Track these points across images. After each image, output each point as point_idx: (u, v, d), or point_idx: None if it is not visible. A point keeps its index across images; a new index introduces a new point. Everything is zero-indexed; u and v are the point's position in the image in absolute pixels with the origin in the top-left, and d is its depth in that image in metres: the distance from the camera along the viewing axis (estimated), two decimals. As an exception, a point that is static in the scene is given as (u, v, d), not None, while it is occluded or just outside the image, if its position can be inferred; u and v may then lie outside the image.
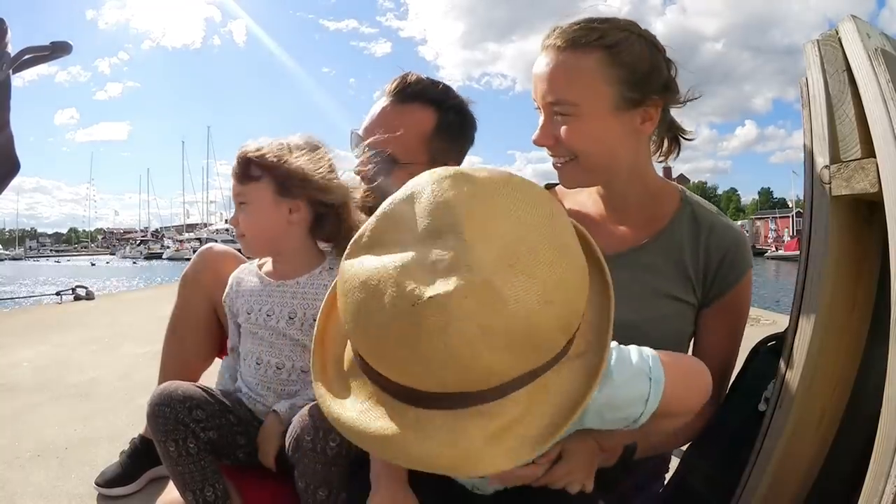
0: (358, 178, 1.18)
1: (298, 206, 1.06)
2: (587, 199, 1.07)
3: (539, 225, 0.46)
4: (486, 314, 0.41)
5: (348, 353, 0.55)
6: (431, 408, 0.47)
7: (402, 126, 1.16)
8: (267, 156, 1.03)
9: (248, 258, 1.20)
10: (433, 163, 1.18)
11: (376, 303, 0.44)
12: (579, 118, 0.89)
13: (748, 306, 1.01)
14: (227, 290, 1.16)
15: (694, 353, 1.01)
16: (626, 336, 0.94)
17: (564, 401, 0.49)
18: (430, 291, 0.41)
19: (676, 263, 0.97)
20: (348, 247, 0.51)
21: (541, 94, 0.91)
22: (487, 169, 0.50)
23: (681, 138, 1.03)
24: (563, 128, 0.90)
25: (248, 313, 1.09)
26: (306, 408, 0.92)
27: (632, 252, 0.99)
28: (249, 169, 1.04)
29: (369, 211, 1.21)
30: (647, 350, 0.64)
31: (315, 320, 0.66)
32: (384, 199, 1.14)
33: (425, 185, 0.47)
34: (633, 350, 0.63)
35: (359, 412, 0.50)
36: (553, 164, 0.96)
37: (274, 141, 1.07)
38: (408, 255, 0.44)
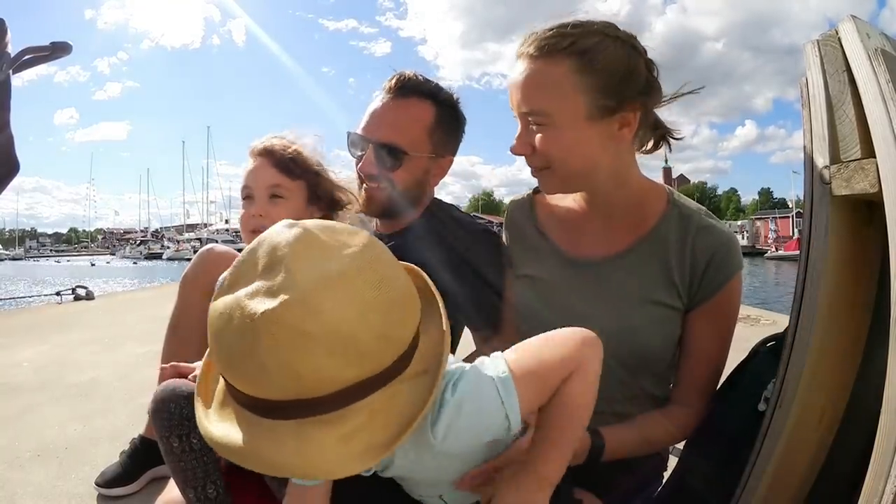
0: (353, 181, 1.22)
1: (319, 211, 1.12)
2: (573, 204, 1.08)
3: (357, 259, 0.55)
4: (306, 322, 0.51)
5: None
6: (280, 418, 0.54)
7: (406, 119, 1.20)
8: (310, 161, 1.08)
9: None
10: (435, 154, 1.23)
11: (227, 326, 0.53)
12: (553, 127, 0.89)
13: (737, 309, 1.00)
14: None
15: (681, 357, 1.01)
16: (618, 341, 0.94)
17: (406, 412, 0.56)
18: (262, 308, 0.51)
19: (663, 267, 0.97)
20: (215, 291, 0.61)
21: (516, 104, 0.92)
22: (317, 220, 0.61)
23: (669, 137, 1.02)
24: (539, 136, 0.90)
25: None
26: None
27: (618, 257, 1.00)
28: (295, 165, 1.07)
29: (377, 206, 1.22)
30: (499, 360, 0.67)
31: None
32: (393, 192, 1.15)
33: (266, 235, 0.58)
34: (484, 363, 0.67)
35: (226, 427, 0.58)
36: (532, 173, 0.98)
37: (308, 144, 1.12)
38: (251, 287, 0.54)
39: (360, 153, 1.22)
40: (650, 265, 0.97)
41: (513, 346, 0.70)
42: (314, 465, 0.53)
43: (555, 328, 0.71)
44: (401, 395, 0.57)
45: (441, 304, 0.67)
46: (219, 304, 0.56)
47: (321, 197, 1.11)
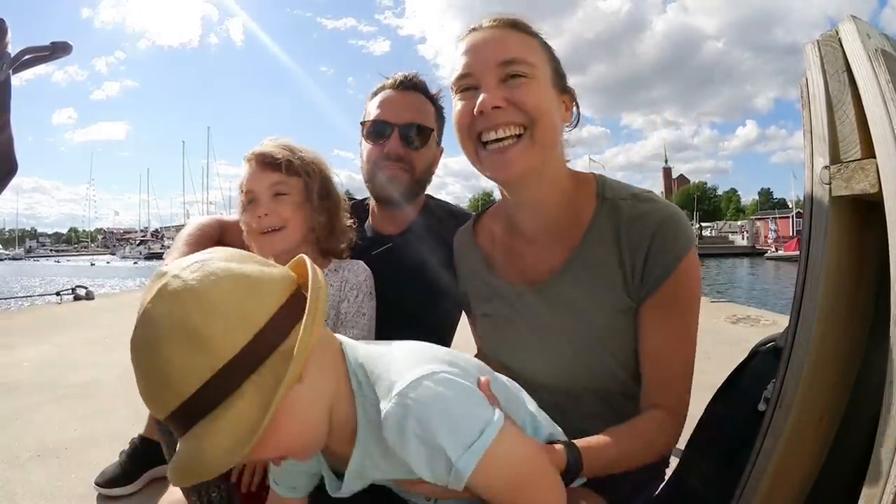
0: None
1: (321, 210, 1.14)
2: (508, 231, 1.04)
3: (221, 272, 0.56)
4: (152, 326, 0.54)
5: None
6: (186, 428, 0.54)
7: (421, 106, 1.35)
8: (311, 160, 1.13)
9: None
10: (439, 142, 1.40)
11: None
12: (535, 80, 0.86)
13: (694, 296, 0.89)
14: None
15: (641, 360, 0.92)
16: (584, 363, 0.92)
17: (258, 413, 0.54)
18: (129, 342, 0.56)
19: (605, 270, 0.91)
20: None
21: (492, 55, 0.85)
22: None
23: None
24: (517, 90, 0.85)
25: None
26: None
27: (560, 274, 0.94)
28: (290, 163, 1.11)
29: (401, 188, 1.31)
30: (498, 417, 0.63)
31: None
32: (415, 173, 1.34)
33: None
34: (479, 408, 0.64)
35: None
36: (491, 150, 0.87)
37: (309, 150, 1.17)
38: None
39: (381, 139, 1.31)
40: (592, 272, 0.91)
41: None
42: (204, 464, 0.52)
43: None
44: (255, 396, 0.54)
45: (315, 300, 0.60)
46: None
47: (322, 197, 1.14)
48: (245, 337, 0.54)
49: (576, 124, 0.97)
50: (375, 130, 1.32)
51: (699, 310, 0.91)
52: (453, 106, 0.92)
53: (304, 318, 0.58)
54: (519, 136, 0.86)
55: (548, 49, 0.92)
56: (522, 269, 1.01)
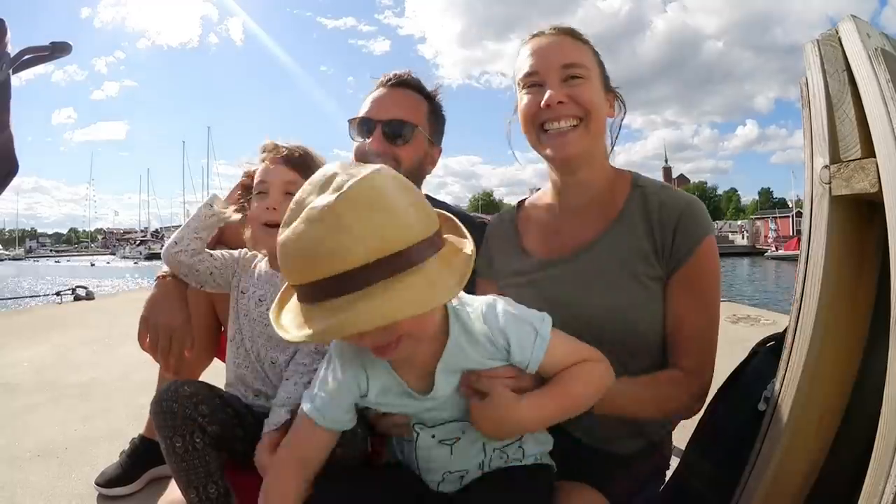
0: None
1: None
2: (549, 210, 1.19)
3: (391, 178, 0.69)
4: (371, 194, 0.64)
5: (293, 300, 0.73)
6: (365, 285, 0.63)
7: (408, 102, 1.35)
8: (315, 163, 1.13)
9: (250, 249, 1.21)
10: (431, 140, 1.39)
11: (311, 225, 0.64)
12: (589, 80, 1.04)
13: (715, 276, 1.02)
14: (239, 261, 1.19)
15: (667, 331, 1.02)
16: (609, 324, 1.00)
17: (461, 267, 0.69)
18: (332, 197, 0.63)
19: (636, 243, 1.03)
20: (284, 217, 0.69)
21: (556, 58, 1.04)
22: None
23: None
24: (576, 89, 1.03)
25: (243, 293, 1.15)
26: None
27: (594, 243, 1.08)
28: (307, 166, 1.12)
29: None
30: (547, 317, 0.83)
31: None
32: (403, 165, 1.33)
33: (301, 191, 0.70)
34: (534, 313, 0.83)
35: (318, 320, 0.65)
36: (552, 136, 1.05)
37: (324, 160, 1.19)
38: (317, 197, 0.66)
39: (365, 137, 1.32)
40: (625, 244, 1.04)
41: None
42: (435, 295, 0.65)
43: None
44: (454, 256, 0.71)
45: (465, 232, 0.77)
46: (294, 223, 0.65)
47: None
48: (434, 228, 0.70)
49: (623, 116, 1.16)
50: (359, 127, 1.34)
51: (720, 289, 1.03)
52: (519, 99, 1.09)
53: (462, 231, 0.77)
54: (575, 125, 1.04)
55: (597, 55, 1.09)
56: (558, 244, 1.15)
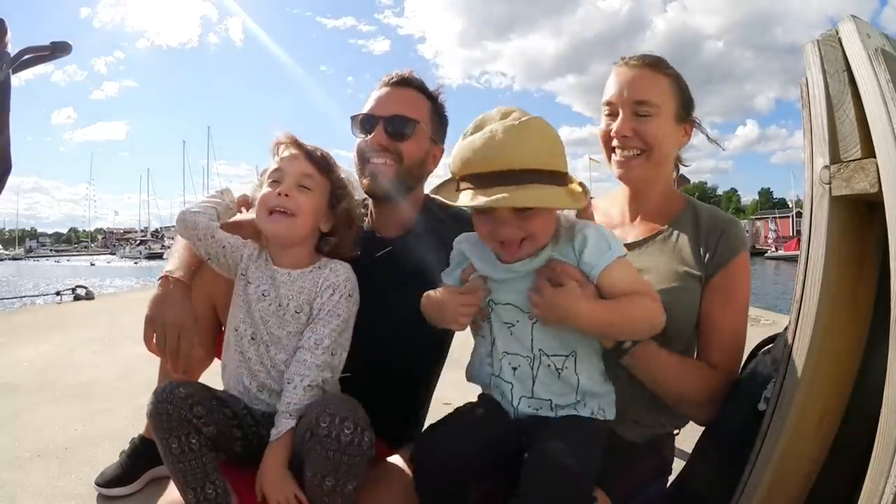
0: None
1: (330, 217, 1.17)
2: (614, 205, 1.32)
3: (545, 126, 0.92)
4: (542, 124, 0.90)
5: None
6: (528, 182, 0.87)
7: (410, 100, 1.38)
8: (334, 166, 1.17)
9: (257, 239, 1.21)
10: (433, 138, 1.40)
11: (498, 131, 0.87)
12: (658, 118, 1.14)
13: (746, 286, 1.12)
14: (248, 246, 1.18)
15: (700, 329, 1.12)
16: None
17: (581, 197, 0.94)
18: (525, 117, 0.90)
19: (682, 247, 1.15)
20: (466, 132, 0.94)
21: (629, 94, 1.15)
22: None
23: (679, 163, 1.31)
24: (643, 126, 1.14)
25: (250, 282, 1.15)
26: (323, 396, 1.04)
27: (645, 241, 1.20)
28: (325, 163, 1.14)
29: (384, 183, 1.32)
30: (622, 245, 0.99)
31: (297, 311, 1.12)
32: (400, 168, 1.38)
33: (482, 121, 0.93)
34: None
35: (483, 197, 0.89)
36: (618, 160, 1.19)
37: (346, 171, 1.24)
38: (506, 117, 0.90)
39: (367, 133, 1.32)
40: (672, 246, 1.16)
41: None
42: (555, 199, 0.90)
43: None
44: (575, 191, 0.94)
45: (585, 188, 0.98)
46: (483, 130, 0.89)
47: (339, 201, 1.17)
48: (566, 166, 0.94)
49: (708, 138, 1.30)
50: (362, 124, 1.36)
51: (749, 299, 1.14)
52: (601, 118, 1.23)
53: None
54: (638, 154, 1.16)
55: (677, 84, 1.18)
56: (620, 228, 1.28)
